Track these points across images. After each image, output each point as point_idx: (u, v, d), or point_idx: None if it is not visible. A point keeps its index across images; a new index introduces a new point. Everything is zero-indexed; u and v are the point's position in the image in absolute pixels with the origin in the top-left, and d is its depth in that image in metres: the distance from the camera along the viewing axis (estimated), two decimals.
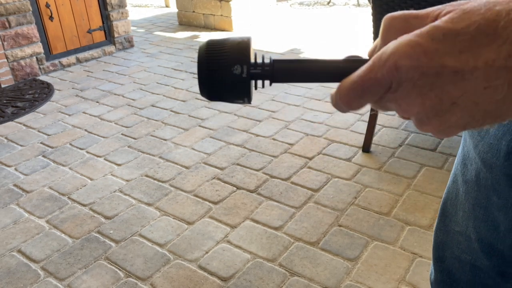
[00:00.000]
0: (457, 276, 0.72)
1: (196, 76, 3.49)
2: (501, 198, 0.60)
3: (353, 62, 0.34)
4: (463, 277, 0.71)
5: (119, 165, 2.29)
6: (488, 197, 0.62)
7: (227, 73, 0.35)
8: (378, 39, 0.34)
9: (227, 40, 0.35)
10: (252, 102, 0.38)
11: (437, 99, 0.29)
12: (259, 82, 0.36)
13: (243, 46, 0.35)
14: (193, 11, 5.08)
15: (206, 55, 0.35)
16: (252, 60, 0.35)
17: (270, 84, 0.36)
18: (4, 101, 3.15)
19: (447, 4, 0.30)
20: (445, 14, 0.29)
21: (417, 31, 0.29)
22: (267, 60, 0.36)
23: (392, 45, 0.30)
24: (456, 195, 0.69)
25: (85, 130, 2.70)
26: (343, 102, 0.33)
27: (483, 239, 0.65)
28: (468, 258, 0.69)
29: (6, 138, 2.64)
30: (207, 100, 0.37)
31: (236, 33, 4.77)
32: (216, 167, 2.23)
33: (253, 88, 0.36)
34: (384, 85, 0.30)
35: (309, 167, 2.19)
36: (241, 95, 0.36)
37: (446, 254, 0.73)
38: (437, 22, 0.29)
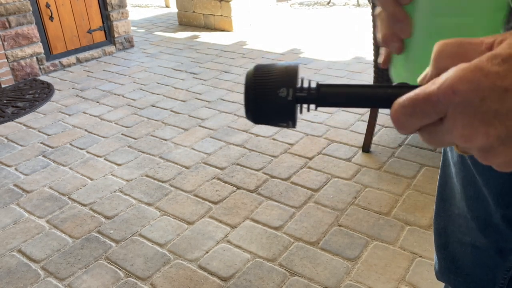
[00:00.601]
0: (460, 261, 0.74)
1: (196, 76, 3.50)
2: (481, 174, 0.63)
3: (403, 88, 0.33)
4: (466, 261, 0.72)
5: (119, 165, 2.30)
6: (473, 175, 0.65)
7: (273, 95, 0.35)
8: (430, 67, 0.32)
9: (275, 64, 0.36)
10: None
11: (502, 127, 0.27)
12: (305, 106, 0.36)
13: (290, 70, 0.35)
14: (193, 11, 5.09)
15: (254, 78, 0.36)
16: (299, 85, 0.35)
17: (316, 108, 0.37)
18: (4, 101, 3.15)
19: (501, 33, 0.29)
20: (500, 42, 0.29)
21: (475, 59, 0.28)
22: (313, 85, 0.36)
23: (450, 70, 0.29)
24: (451, 178, 0.71)
25: (85, 130, 2.70)
26: (393, 119, 0.32)
27: (478, 216, 0.67)
28: (469, 240, 0.70)
29: (6, 138, 2.64)
30: (253, 122, 0.39)
31: (236, 33, 4.77)
32: (216, 167, 2.23)
33: (298, 112, 0.36)
34: (438, 108, 0.29)
35: (309, 167, 2.19)
36: (286, 118, 0.36)
37: (449, 239, 0.75)
38: (495, 50, 0.28)
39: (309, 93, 0.35)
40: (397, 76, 0.47)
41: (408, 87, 0.33)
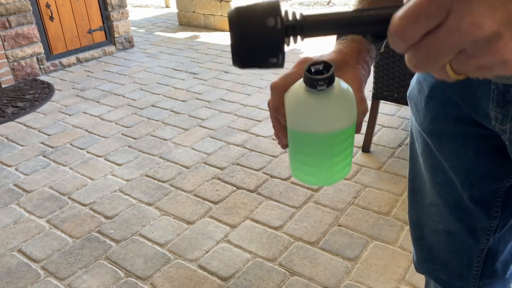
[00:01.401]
0: (436, 250, 0.76)
1: (196, 76, 3.50)
2: (447, 160, 0.66)
3: (384, 9, 0.33)
4: (442, 249, 0.74)
5: (119, 165, 2.30)
6: (440, 161, 0.67)
7: (261, 26, 0.34)
8: None
9: (256, 3, 0.35)
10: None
11: (505, 11, 0.28)
12: (289, 41, 0.36)
13: (273, 2, 0.35)
14: (193, 11, 5.09)
15: (237, 13, 0.35)
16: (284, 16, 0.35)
17: (302, 39, 0.36)
18: (5, 101, 3.15)
19: None
20: None
21: None
22: (298, 16, 0.36)
23: None
24: (420, 169, 0.74)
25: (86, 130, 2.70)
26: (396, 32, 0.30)
27: (449, 201, 0.69)
28: (442, 227, 0.73)
29: (6, 138, 2.64)
30: (239, 67, 0.37)
31: None
32: (216, 167, 2.23)
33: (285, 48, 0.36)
34: (443, 6, 0.28)
35: None
36: (276, 51, 0.35)
37: (424, 230, 0.77)
38: None
39: (296, 21, 0.35)
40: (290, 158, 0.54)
41: (390, 7, 0.33)
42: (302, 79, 0.45)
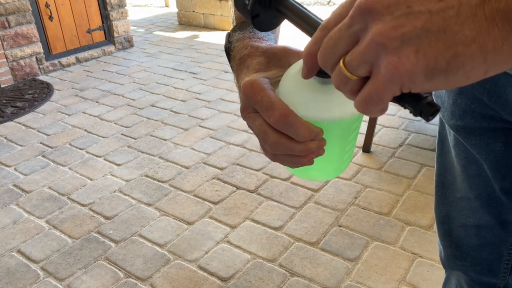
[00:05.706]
0: (465, 245, 0.75)
1: (196, 76, 3.50)
2: (478, 153, 0.66)
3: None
4: (471, 244, 0.74)
5: (118, 165, 2.29)
6: (473, 153, 0.67)
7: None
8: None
9: None
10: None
11: (408, 23, 0.28)
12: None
13: None
14: (193, 11, 5.08)
15: None
16: None
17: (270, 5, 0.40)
18: (4, 101, 3.14)
19: None
20: None
21: None
22: None
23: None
24: (452, 163, 0.73)
25: (85, 130, 2.70)
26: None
27: (481, 193, 0.69)
28: (472, 221, 0.72)
29: (5, 138, 2.63)
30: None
31: None
32: (216, 167, 2.23)
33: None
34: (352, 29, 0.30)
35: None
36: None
37: (452, 226, 0.76)
38: None
39: None
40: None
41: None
42: (289, 71, 0.43)
